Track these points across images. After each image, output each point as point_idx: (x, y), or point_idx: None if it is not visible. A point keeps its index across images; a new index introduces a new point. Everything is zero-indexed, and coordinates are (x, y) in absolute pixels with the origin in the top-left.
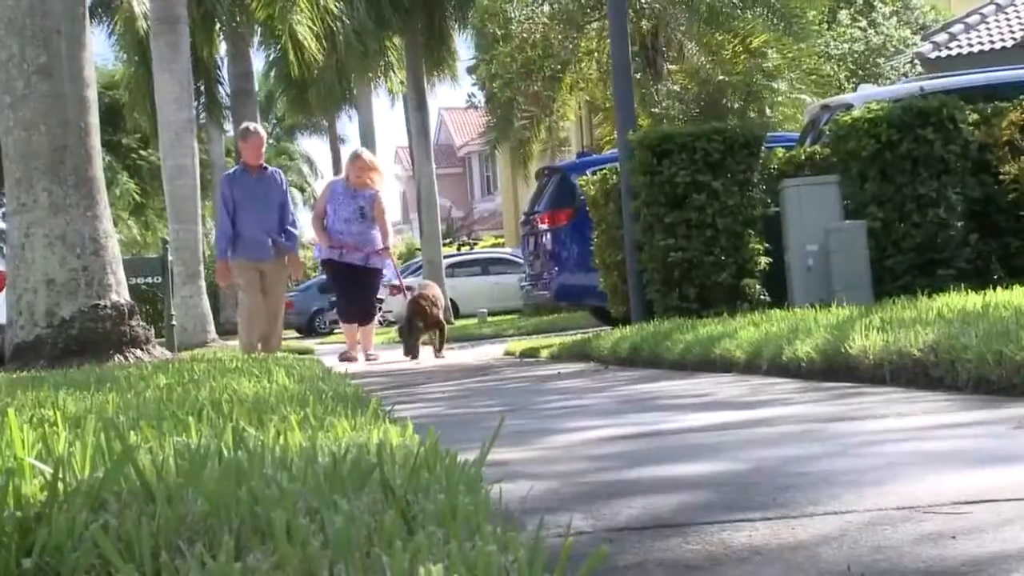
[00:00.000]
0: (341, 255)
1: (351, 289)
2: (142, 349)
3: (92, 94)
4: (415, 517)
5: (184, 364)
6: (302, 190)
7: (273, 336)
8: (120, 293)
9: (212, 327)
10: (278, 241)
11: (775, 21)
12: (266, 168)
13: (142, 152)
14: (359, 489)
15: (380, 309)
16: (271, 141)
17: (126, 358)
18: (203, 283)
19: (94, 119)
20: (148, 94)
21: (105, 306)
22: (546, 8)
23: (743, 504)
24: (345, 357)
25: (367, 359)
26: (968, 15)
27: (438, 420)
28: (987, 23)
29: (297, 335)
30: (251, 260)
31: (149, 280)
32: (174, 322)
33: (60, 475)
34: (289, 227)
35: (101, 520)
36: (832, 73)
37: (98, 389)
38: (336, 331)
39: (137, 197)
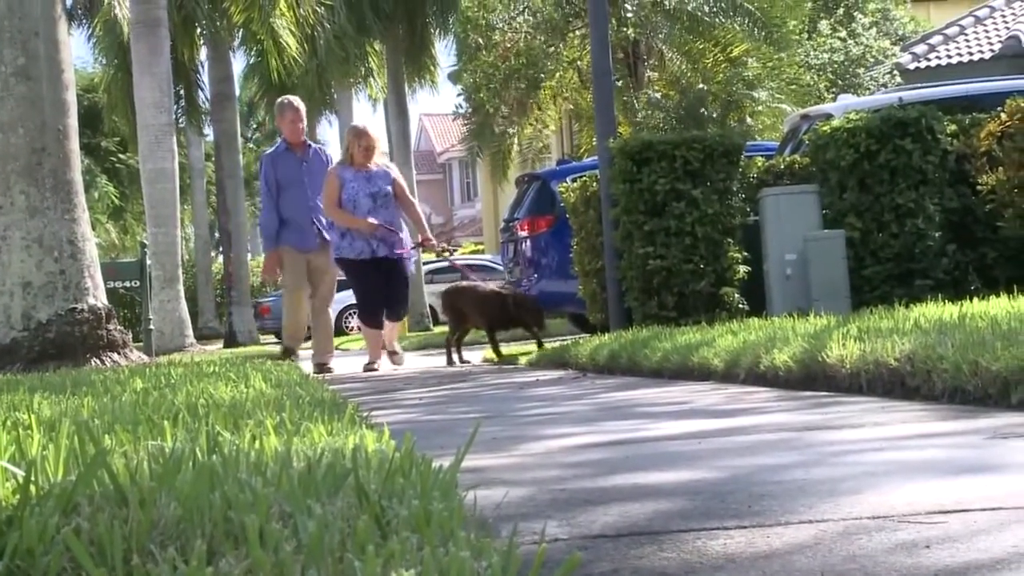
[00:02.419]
0: (373, 249)
1: (382, 286)
2: (119, 353)
3: (71, 97)
4: (389, 523)
5: (161, 368)
6: None
7: (327, 341)
8: (97, 297)
9: (190, 331)
10: (324, 229)
11: (755, 30)
12: (310, 146)
13: (121, 155)
14: (333, 494)
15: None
16: (250, 145)
17: (103, 362)
18: (181, 287)
19: (73, 122)
20: (128, 97)
21: (82, 310)
22: (528, 16)
23: (719, 512)
24: (370, 367)
25: (393, 359)
26: (947, 26)
27: (415, 426)
28: (966, 35)
29: (275, 340)
30: (296, 248)
31: (127, 284)
32: (152, 326)
33: (32, 478)
34: None
35: (73, 524)
36: (812, 83)
37: (74, 393)
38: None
39: (116, 200)
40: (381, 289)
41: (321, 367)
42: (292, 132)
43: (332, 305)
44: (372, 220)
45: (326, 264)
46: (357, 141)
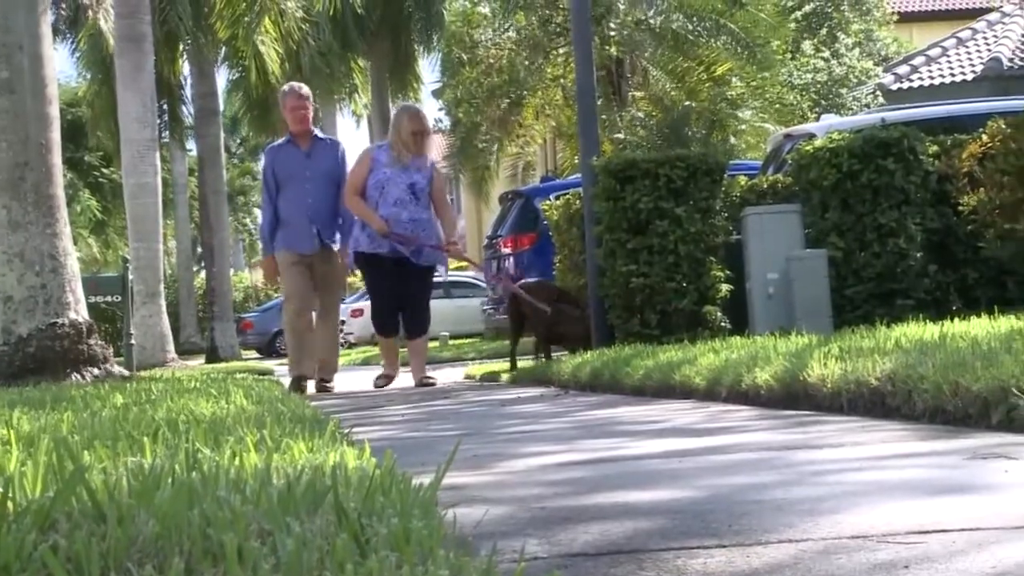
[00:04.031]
0: (393, 247)
1: (397, 289)
2: (100, 368)
3: (54, 111)
4: (368, 541)
5: (142, 383)
6: None
7: (329, 355)
8: (79, 311)
9: (171, 346)
10: (324, 233)
11: (739, 49)
12: (317, 137)
13: (104, 170)
14: (313, 512)
15: (341, 331)
16: (235, 161)
17: (83, 377)
18: (163, 302)
19: (56, 136)
20: (111, 112)
21: (63, 324)
22: (512, 34)
23: (699, 531)
24: (383, 380)
25: (421, 383)
26: (929, 48)
27: (396, 443)
28: (948, 56)
29: (257, 356)
30: (292, 252)
31: (108, 298)
32: (133, 341)
33: (10, 494)
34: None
35: (50, 540)
36: (795, 102)
37: (53, 408)
38: None
39: (98, 215)
40: (396, 292)
41: (322, 385)
42: (294, 120)
43: (337, 315)
44: (382, 222)
45: (331, 270)
46: (406, 123)
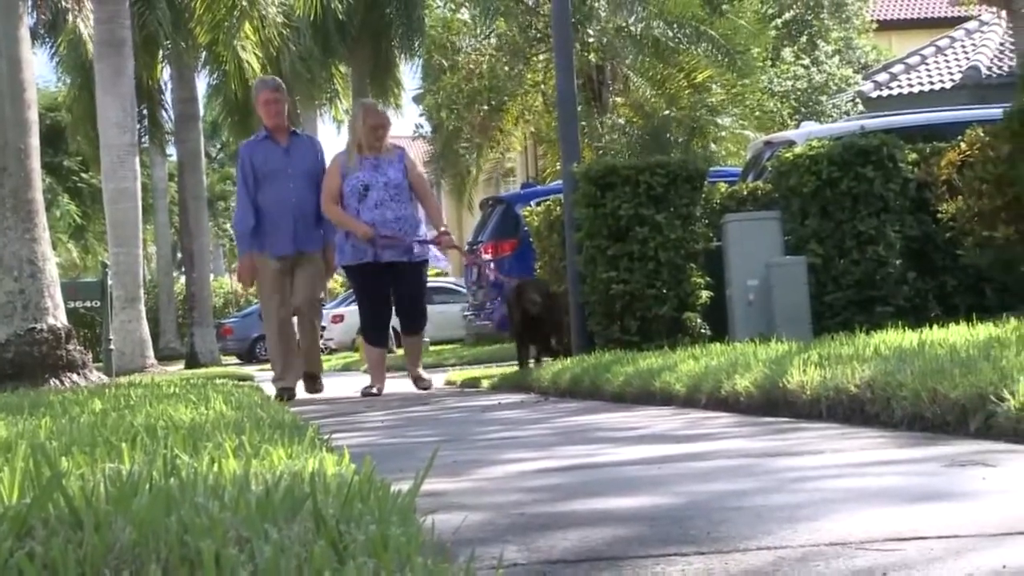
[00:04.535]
0: (376, 254)
1: (386, 297)
2: (78, 373)
3: (33, 115)
4: (346, 548)
5: (121, 389)
6: None
7: (310, 353)
8: (57, 317)
9: (151, 352)
10: (307, 233)
11: (720, 56)
12: (295, 133)
13: (83, 174)
14: (291, 519)
15: (321, 336)
16: (214, 166)
17: (62, 382)
18: (142, 307)
19: (34, 141)
20: (91, 117)
21: (41, 330)
22: (493, 40)
23: (678, 538)
24: (368, 391)
25: (419, 384)
26: (908, 56)
27: (375, 449)
28: (927, 64)
29: (237, 361)
30: (272, 256)
31: (88, 304)
32: (112, 346)
33: None
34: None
35: (27, 547)
36: (775, 109)
37: (31, 414)
38: None
39: (77, 219)
40: (386, 301)
41: (311, 381)
42: (268, 114)
43: (318, 316)
44: (366, 227)
45: (312, 269)
46: (364, 119)
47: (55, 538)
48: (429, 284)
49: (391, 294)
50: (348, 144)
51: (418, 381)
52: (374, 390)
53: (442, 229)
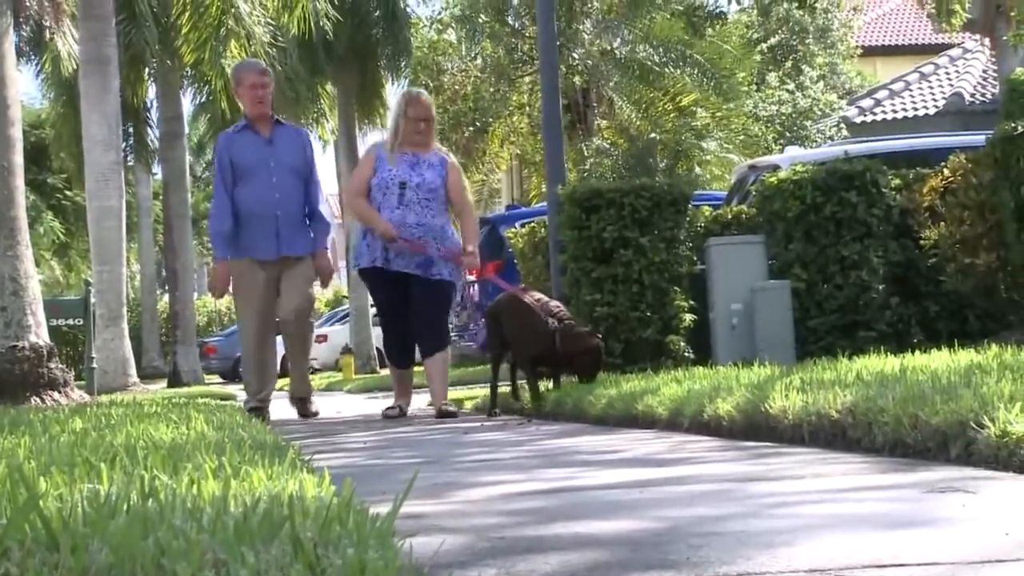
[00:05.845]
0: (387, 259)
1: (401, 308)
2: (60, 392)
3: (16, 132)
4: (324, 572)
5: (102, 408)
6: None
7: (299, 373)
8: (39, 334)
9: (134, 370)
10: (290, 234)
11: (705, 80)
12: (279, 122)
13: (67, 192)
14: (268, 542)
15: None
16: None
17: (43, 400)
18: (126, 326)
19: (18, 158)
20: (75, 134)
21: (23, 347)
22: (479, 61)
23: (657, 563)
24: (389, 411)
25: (441, 413)
26: (893, 82)
27: (356, 471)
28: (911, 90)
29: (221, 380)
30: (254, 260)
31: (70, 321)
32: (94, 365)
33: None
34: (319, 208)
35: (3, 569)
36: (760, 134)
37: (11, 432)
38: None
39: (61, 237)
40: (400, 312)
41: (302, 404)
42: (251, 100)
43: (307, 327)
44: (389, 225)
45: (298, 274)
46: (408, 109)
47: (31, 559)
48: None
49: (407, 309)
50: (388, 135)
51: (444, 415)
52: (395, 410)
53: (469, 249)
